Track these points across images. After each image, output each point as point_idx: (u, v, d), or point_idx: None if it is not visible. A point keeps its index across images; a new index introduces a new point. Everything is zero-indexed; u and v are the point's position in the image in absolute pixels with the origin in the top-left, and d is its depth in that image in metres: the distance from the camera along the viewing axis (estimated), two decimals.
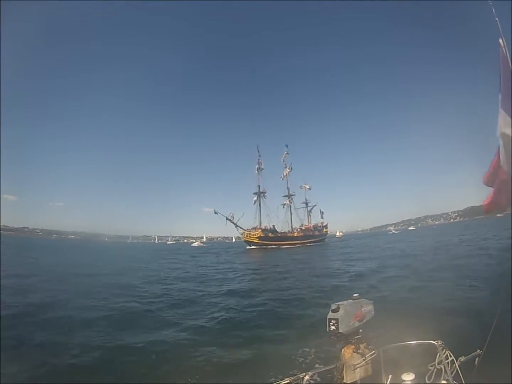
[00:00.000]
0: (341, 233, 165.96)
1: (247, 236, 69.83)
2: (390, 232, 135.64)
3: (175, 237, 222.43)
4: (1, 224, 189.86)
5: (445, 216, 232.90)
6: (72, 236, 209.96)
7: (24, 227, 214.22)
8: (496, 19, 2.50)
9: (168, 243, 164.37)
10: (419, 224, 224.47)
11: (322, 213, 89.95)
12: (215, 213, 67.48)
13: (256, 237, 68.92)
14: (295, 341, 7.03)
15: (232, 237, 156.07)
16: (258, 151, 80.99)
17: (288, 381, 2.50)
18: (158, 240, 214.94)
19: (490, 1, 2.71)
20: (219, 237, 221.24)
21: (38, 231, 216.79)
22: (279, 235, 74.04)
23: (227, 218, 68.10)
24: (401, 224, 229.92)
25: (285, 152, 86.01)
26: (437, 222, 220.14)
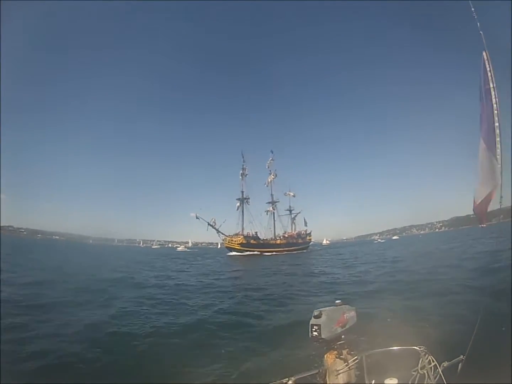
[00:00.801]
0: (328, 241, 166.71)
1: (228, 242, 68.42)
2: (376, 241, 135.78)
3: (160, 241, 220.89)
4: None
5: (430, 225, 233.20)
6: (57, 237, 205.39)
7: (8, 226, 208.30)
8: (481, 32, 2.64)
9: (153, 247, 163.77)
10: (404, 234, 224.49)
11: (305, 221, 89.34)
12: (197, 218, 66.11)
13: (238, 244, 67.48)
14: (278, 347, 6.77)
15: (217, 243, 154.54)
16: (243, 157, 79.88)
17: None
18: (143, 244, 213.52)
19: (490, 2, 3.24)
20: (203, 243, 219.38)
21: (23, 230, 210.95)
22: (262, 242, 72.58)
23: (208, 224, 66.73)
24: (386, 234, 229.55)
25: (270, 159, 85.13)
26: (422, 232, 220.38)
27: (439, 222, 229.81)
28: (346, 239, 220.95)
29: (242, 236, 69.01)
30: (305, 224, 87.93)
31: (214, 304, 11.48)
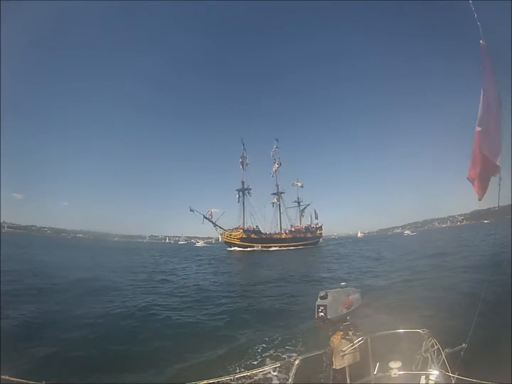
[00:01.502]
0: (362, 234, 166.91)
1: (227, 236, 62.33)
2: (405, 234, 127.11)
3: (181, 237, 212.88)
4: (9, 222, 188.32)
5: (451, 219, 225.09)
6: (81, 235, 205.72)
7: (31, 225, 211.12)
8: (478, 23, 2.67)
9: (179, 243, 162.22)
10: (426, 227, 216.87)
11: (316, 213, 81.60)
12: (191, 210, 60.17)
13: (237, 238, 61.52)
14: (285, 327, 7.56)
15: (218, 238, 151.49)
16: (243, 145, 73.31)
17: (279, 364, 2.58)
18: (168, 240, 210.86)
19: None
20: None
21: (46, 229, 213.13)
22: (264, 236, 66.11)
23: (204, 217, 60.78)
24: (408, 227, 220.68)
25: (275, 146, 78.50)
26: (443, 225, 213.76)
27: (461, 215, 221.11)
28: (368, 232, 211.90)
29: (241, 230, 62.45)
30: (316, 217, 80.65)
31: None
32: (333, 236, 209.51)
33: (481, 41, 2.64)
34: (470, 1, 2.81)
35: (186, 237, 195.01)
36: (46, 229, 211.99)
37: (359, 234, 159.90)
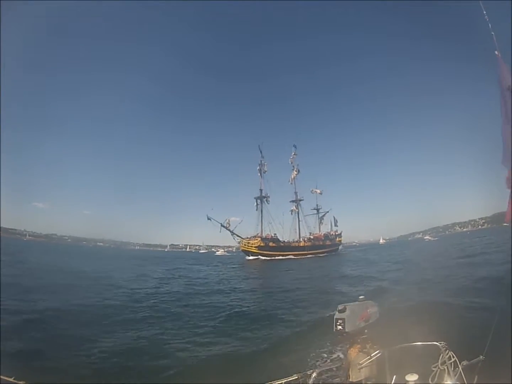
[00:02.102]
0: (384, 240, 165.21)
1: (244, 245, 61.34)
2: (427, 240, 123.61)
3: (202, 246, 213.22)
4: (30, 230, 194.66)
5: (472, 223, 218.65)
6: (101, 244, 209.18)
7: (52, 234, 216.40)
8: (492, 33, 2.58)
9: (200, 251, 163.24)
10: (447, 232, 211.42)
11: (336, 220, 79.55)
12: (208, 219, 59.54)
13: (255, 247, 60.58)
14: (303, 340, 7.45)
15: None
16: (261, 152, 72.57)
17: (296, 377, 2.57)
18: (188, 248, 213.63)
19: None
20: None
21: (67, 237, 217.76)
22: (282, 244, 65.00)
23: (222, 225, 60.06)
24: (429, 232, 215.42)
25: (293, 153, 77.56)
26: (465, 229, 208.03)
27: (481, 218, 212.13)
28: (389, 239, 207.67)
29: (259, 239, 61.36)
30: (335, 224, 79.04)
31: None
32: (354, 243, 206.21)
33: (496, 52, 2.56)
34: (480, 1, 2.73)
35: (207, 245, 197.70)
36: (66, 238, 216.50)
37: (381, 241, 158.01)
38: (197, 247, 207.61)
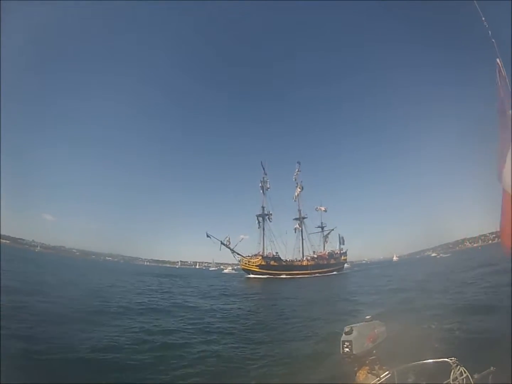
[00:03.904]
0: (397, 257, 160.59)
1: (245, 263, 59.02)
2: (438, 256, 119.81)
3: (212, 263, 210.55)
4: (39, 242, 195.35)
5: (482, 238, 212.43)
6: (110, 258, 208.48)
7: (60, 246, 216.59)
8: (493, 40, 2.58)
9: (210, 269, 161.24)
10: (457, 248, 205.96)
11: (342, 238, 76.38)
12: (208, 236, 57.55)
13: (256, 265, 58.04)
14: (311, 362, 6.92)
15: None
16: (263, 168, 70.80)
17: None
18: (198, 265, 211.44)
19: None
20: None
21: (75, 251, 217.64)
22: (284, 263, 62.16)
23: (222, 243, 57.97)
24: (439, 249, 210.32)
25: (297, 170, 75.57)
26: (475, 245, 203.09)
27: (492, 233, 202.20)
28: (399, 256, 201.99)
29: (260, 257, 58.93)
30: (342, 243, 75.60)
31: None
32: (364, 261, 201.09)
33: (497, 60, 2.55)
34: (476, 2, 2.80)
35: (216, 263, 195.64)
36: (75, 251, 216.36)
37: (394, 258, 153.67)
38: (205, 264, 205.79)
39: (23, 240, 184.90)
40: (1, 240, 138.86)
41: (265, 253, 62.06)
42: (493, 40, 2.53)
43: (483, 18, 2.67)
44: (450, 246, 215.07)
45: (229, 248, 58.51)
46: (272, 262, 59.33)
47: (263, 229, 65.88)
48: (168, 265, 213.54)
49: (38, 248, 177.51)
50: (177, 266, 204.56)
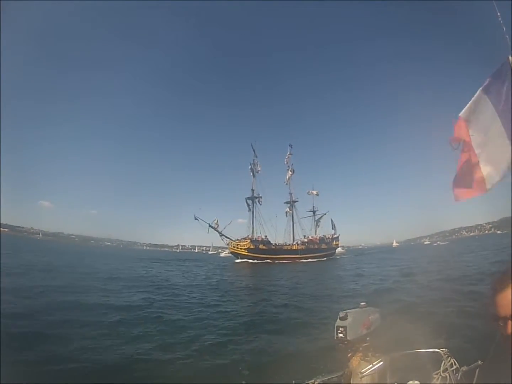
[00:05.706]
0: (397, 243, 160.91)
1: (233, 247, 57.27)
2: (435, 244, 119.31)
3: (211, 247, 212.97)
4: (38, 228, 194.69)
5: (479, 227, 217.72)
6: (109, 243, 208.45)
7: (59, 232, 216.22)
8: (507, 36, 2.58)
9: (209, 253, 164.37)
10: (454, 236, 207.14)
11: (333, 223, 74.58)
12: (195, 219, 55.64)
13: (244, 249, 56.17)
14: (304, 347, 6.95)
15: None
16: (254, 151, 67.83)
17: None
18: (197, 249, 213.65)
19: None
20: None
21: (74, 236, 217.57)
22: (273, 247, 60.23)
23: (209, 225, 56.03)
24: (435, 237, 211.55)
25: (288, 153, 72.85)
26: (472, 234, 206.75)
27: (488, 223, 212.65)
28: (398, 243, 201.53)
29: (249, 241, 57.15)
30: (333, 227, 73.53)
31: None
32: (360, 247, 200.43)
33: (509, 57, 2.61)
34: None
35: (214, 247, 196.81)
36: (74, 237, 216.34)
37: (394, 244, 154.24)
38: (203, 248, 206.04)
39: (22, 227, 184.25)
40: (1, 228, 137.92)
41: (254, 237, 60.33)
42: (506, 36, 2.58)
43: (498, 14, 2.66)
44: (447, 234, 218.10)
45: (217, 231, 56.48)
46: (261, 246, 57.37)
47: (253, 212, 63.90)
48: (167, 249, 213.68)
49: (40, 235, 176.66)
50: (178, 250, 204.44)
